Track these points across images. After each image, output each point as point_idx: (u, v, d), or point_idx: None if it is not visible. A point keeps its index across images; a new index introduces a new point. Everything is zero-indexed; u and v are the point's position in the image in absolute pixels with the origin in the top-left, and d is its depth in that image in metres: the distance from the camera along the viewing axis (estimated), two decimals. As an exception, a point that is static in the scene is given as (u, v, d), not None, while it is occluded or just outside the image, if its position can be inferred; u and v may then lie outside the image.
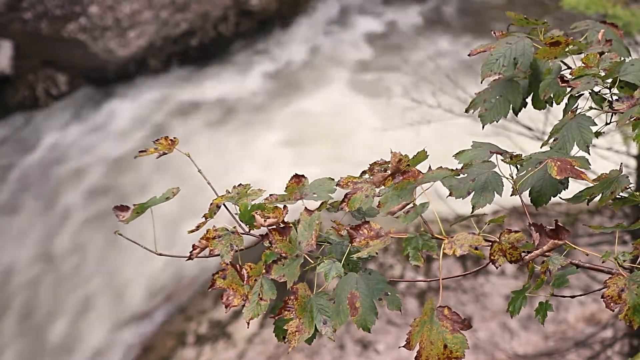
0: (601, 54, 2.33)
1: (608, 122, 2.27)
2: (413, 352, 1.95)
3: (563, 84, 2.31)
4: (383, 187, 2.14)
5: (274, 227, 2.11)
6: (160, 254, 2.24)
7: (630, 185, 2.21)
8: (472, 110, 2.47)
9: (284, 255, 2.07)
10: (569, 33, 2.44)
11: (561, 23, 6.84)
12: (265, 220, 2.12)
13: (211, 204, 2.20)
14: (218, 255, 2.11)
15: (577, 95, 2.33)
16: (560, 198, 2.24)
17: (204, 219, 2.20)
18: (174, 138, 2.32)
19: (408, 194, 2.08)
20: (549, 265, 2.14)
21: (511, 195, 2.20)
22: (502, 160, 2.22)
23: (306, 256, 2.08)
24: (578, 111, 2.29)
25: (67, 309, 8.77)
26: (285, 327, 2.02)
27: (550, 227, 2.06)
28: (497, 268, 2.05)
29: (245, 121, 10.71)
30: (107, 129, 10.80)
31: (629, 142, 6.40)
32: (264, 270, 2.07)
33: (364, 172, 2.19)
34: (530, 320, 7.57)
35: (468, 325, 1.94)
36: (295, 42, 12.13)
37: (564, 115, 2.32)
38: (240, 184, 2.25)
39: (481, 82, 2.42)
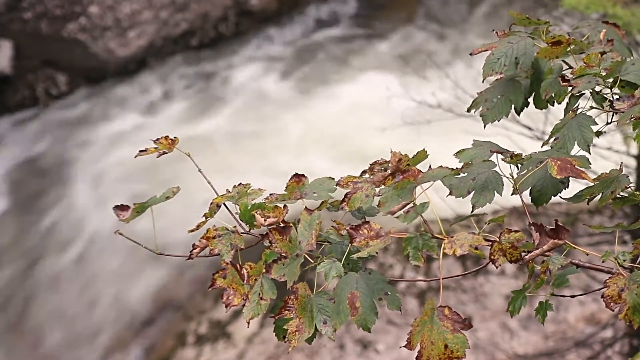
0: (602, 53, 2.33)
1: (609, 121, 2.27)
2: (412, 352, 1.95)
3: (564, 84, 2.31)
4: (383, 186, 2.14)
5: (274, 226, 2.11)
6: (161, 254, 2.24)
7: (630, 185, 2.21)
8: (474, 110, 2.48)
9: (284, 254, 2.07)
10: (571, 33, 2.44)
11: (561, 23, 6.85)
12: (265, 220, 2.12)
13: (211, 203, 2.21)
14: (218, 254, 2.11)
15: (578, 94, 2.33)
16: (561, 197, 2.24)
17: (204, 219, 2.20)
18: (175, 137, 2.32)
19: (408, 193, 2.08)
20: (549, 265, 2.14)
21: (512, 194, 2.20)
22: (502, 159, 2.22)
23: (306, 256, 2.08)
24: (579, 111, 2.29)
25: (68, 308, 8.77)
26: (285, 327, 2.02)
27: (550, 227, 2.06)
28: (497, 268, 2.05)
29: (243, 121, 10.71)
30: (106, 129, 10.81)
31: (629, 142, 6.40)
32: (264, 270, 2.07)
33: (364, 172, 2.19)
34: (530, 320, 7.58)
35: (469, 325, 1.94)
36: (295, 41, 12.13)
37: (564, 115, 2.32)
38: (240, 183, 2.25)
39: (482, 82, 2.43)
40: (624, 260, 2.11)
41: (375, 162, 2.20)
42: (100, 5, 11.60)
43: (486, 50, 2.41)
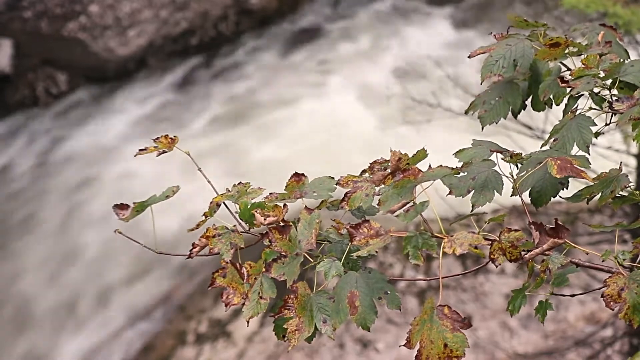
0: (601, 55, 2.33)
1: (608, 122, 2.28)
2: (412, 351, 1.95)
3: (563, 84, 2.31)
4: (383, 185, 2.14)
5: (274, 225, 2.11)
6: (160, 253, 2.24)
7: (630, 184, 2.21)
8: (472, 112, 2.48)
9: (283, 253, 2.07)
10: (569, 35, 2.45)
11: (561, 22, 6.84)
12: (265, 219, 2.12)
13: (211, 202, 2.21)
14: (218, 253, 2.11)
15: (576, 95, 2.33)
16: (560, 197, 2.24)
17: (203, 217, 2.20)
18: (174, 136, 2.32)
19: (408, 192, 2.09)
20: (549, 264, 2.14)
21: (511, 195, 2.20)
22: (502, 158, 2.22)
23: (306, 255, 2.08)
24: (578, 111, 2.29)
25: (68, 307, 8.78)
26: (285, 326, 2.02)
27: (550, 226, 2.06)
28: (497, 267, 2.05)
29: (243, 121, 10.72)
30: (105, 130, 10.81)
31: (629, 141, 6.40)
32: (263, 269, 2.07)
33: (364, 171, 2.20)
34: (530, 319, 7.58)
35: (468, 324, 1.94)
36: (294, 40, 12.13)
37: (563, 116, 2.32)
38: (240, 182, 2.25)
39: (481, 84, 2.43)
40: (624, 260, 2.11)
41: (375, 161, 2.20)
42: (100, 4, 11.60)
43: (484, 53, 2.41)
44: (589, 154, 2.21)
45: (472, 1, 12.43)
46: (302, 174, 2.25)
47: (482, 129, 2.45)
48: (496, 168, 2.20)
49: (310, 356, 7.69)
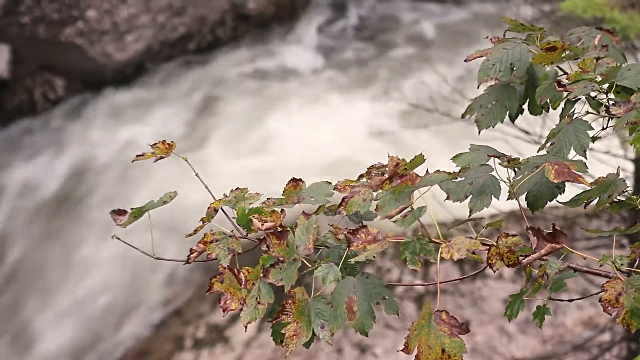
0: (598, 59, 2.33)
1: (605, 126, 2.28)
2: (410, 356, 1.95)
3: (560, 89, 2.32)
4: (381, 190, 2.14)
5: (272, 230, 2.11)
6: (158, 258, 2.24)
7: (627, 189, 2.21)
8: (468, 116, 2.48)
9: (281, 259, 2.07)
10: (565, 39, 2.45)
11: (558, 27, 6.85)
12: (262, 224, 2.12)
13: (209, 207, 2.21)
14: (215, 259, 2.10)
15: (573, 99, 2.33)
16: (558, 201, 2.25)
17: (201, 223, 2.20)
18: (171, 142, 2.32)
19: (405, 197, 2.09)
20: (547, 269, 2.14)
21: (508, 199, 2.20)
22: (499, 163, 2.22)
23: (304, 260, 2.07)
24: (575, 116, 2.29)
25: (67, 309, 8.77)
26: (282, 331, 2.02)
27: (548, 231, 2.06)
28: (494, 272, 2.05)
29: (240, 128, 10.72)
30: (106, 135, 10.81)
31: (626, 146, 6.40)
32: (261, 274, 2.07)
33: (361, 176, 2.20)
34: (528, 324, 7.57)
35: (466, 329, 1.94)
36: (292, 45, 12.14)
37: (560, 120, 2.32)
38: (238, 187, 2.25)
39: (477, 87, 2.43)
40: (622, 264, 2.11)
41: (372, 166, 2.20)
42: (97, 9, 11.59)
43: (481, 57, 2.41)
44: (586, 158, 2.21)
45: (474, 8, 12.45)
46: (300, 179, 2.25)
47: (479, 132, 2.45)
48: (493, 173, 2.20)
49: (308, 361, 7.67)
